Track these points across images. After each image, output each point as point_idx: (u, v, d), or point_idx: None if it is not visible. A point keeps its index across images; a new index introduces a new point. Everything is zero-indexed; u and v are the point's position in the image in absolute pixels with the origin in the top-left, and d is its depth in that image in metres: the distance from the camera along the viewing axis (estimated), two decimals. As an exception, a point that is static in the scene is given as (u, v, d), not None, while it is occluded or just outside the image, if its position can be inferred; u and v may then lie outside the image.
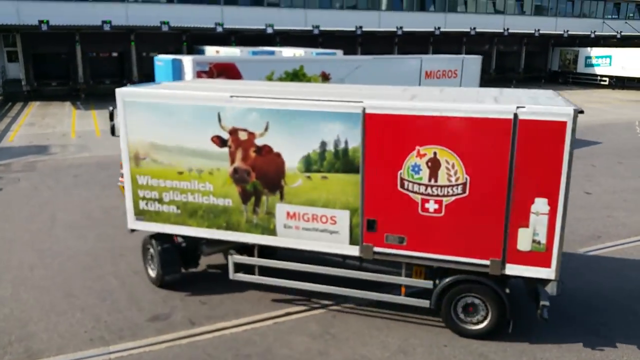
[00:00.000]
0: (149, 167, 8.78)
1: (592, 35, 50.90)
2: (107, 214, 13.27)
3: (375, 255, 8.03)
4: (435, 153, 7.40)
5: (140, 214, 9.10)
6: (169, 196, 8.77)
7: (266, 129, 8.07)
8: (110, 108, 10.96)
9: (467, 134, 7.25)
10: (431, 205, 7.58)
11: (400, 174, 7.59)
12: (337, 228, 8.09)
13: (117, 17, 35.41)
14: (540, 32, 48.15)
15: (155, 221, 9.03)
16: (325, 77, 16.42)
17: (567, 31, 50.02)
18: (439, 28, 43.84)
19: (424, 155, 7.44)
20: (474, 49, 48.38)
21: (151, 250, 9.45)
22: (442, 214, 7.55)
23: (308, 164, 7.99)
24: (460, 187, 7.38)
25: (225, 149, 8.29)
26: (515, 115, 6.94)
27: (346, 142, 7.76)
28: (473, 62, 22.01)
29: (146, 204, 8.98)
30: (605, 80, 47.12)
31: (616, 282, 9.92)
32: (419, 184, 7.56)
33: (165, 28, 34.71)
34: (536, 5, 56.62)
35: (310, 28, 39.29)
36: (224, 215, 8.56)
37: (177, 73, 14.49)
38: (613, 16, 61.14)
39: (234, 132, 8.20)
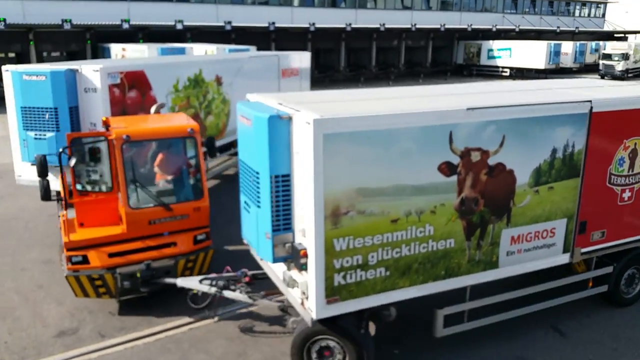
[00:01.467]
0: (352, 224, 6.19)
1: (494, 29, 53.77)
2: (6, 225, 12.44)
3: (582, 256, 8.04)
4: (635, 144, 8.07)
5: (334, 294, 6.32)
6: (377, 256, 6.43)
7: (501, 145, 6.81)
8: (39, 156, 8.29)
9: None
10: (626, 194, 8.25)
11: (610, 169, 7.93)
12: (554, 240, 7.63)
13: (13, 14, 33.09)
14: (446, 26, 50.22)
15: (355, 297, 6.44)
16: (218, 82, 15.20)
17: (471, 25, 52.56)
18: (350, 24, 44.60)
19: (628, 147, 8.01)
20: (384, 44, 49.90)
21: (331, 344, 6.84)
22: (633, 200, 8.32)
23: (538, 177, 7.21)
24: None
25: (453, 178, 6.61)
26: None
27: (573, 146, 7.40)
28: (306, 60, 21.42)
29: (344, 276, 6.31)
30: (506, 72, 49.97)
31: None
32: (622, 176, 8.10)
33: (67, 26, 32.90)
34: (442, 0, 58.99)
35: (222, 24, 38.72)
36: (444, 260, 6.84)
37: (72, 90, 10.68)
38: (511, 11, 64.91)
39: (465, 154, 6.60)
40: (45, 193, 8.45)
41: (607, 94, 8.27)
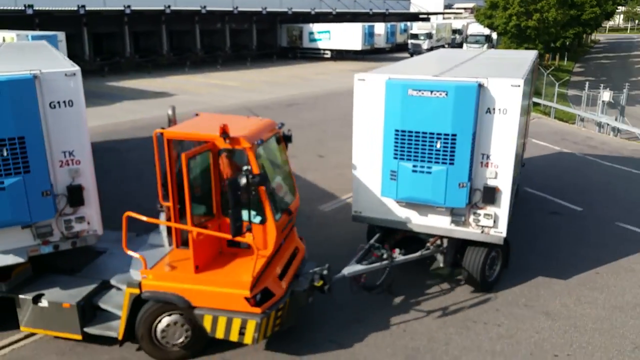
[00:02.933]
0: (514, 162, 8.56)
1: (313, 12, 55.65)
2: None
3: None
4: None
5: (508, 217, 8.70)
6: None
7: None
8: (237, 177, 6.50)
9: None
10: None
11: None
12: None
13: None
14: (267, 10, 50.77)
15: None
16: None
17: (291, 9, 53.75)
18: (169, 6, 42.88)
19: None
20: (208, 27, 48.91)
21: (494, 254, 9.24)
22: None
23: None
24: None
25: None
26: None
27: None
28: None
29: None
30: (327, 54, 52.19)
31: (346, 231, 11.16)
32: None
33: None
34: (261, -17, 59.34)
35: (22, 8, 34.69)
36: None
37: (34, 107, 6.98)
38: (328, -6, 67.64)
39: None
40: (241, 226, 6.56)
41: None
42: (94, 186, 7.49)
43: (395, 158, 8.38)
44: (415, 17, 73.86)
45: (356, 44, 49.76)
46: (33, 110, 6.83)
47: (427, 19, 74.40)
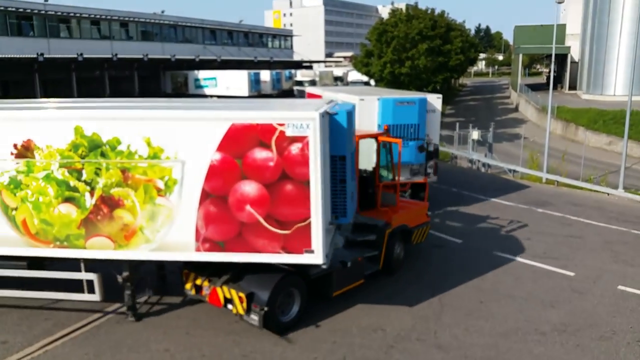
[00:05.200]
0: None
1: (197, 60, 55.48)
2: None
3: None
4: None
5: None
6: None
7: None
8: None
9: None
10: None
11: None
12: None
13: None
14: (149, 56, 49.82)
15: None
16: None
17: (174, 56, 53.21)
18: (42, 54, 40.66)
19: None
20: (85, 75, 46.95)
21: None
22: None
23: None
24: None
25: None
26: None
27: None
28: None
29: None
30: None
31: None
32: None
33: None
34: (142, 30, 58.38)
35: None
36: None
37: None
38: (212, 42, 68.10)
39: None
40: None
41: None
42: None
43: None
44: (298, 65, 76.20)
45: (243, 91, 50.16)
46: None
47: (310, 67, 77.06)
